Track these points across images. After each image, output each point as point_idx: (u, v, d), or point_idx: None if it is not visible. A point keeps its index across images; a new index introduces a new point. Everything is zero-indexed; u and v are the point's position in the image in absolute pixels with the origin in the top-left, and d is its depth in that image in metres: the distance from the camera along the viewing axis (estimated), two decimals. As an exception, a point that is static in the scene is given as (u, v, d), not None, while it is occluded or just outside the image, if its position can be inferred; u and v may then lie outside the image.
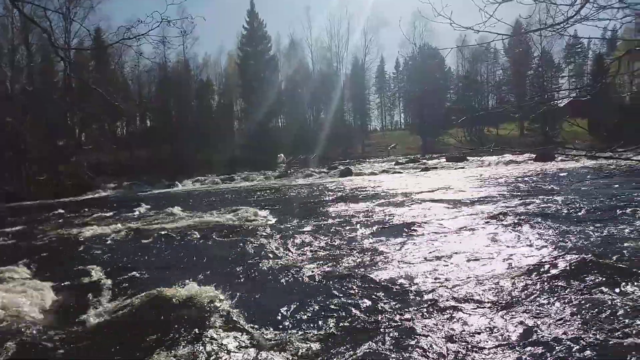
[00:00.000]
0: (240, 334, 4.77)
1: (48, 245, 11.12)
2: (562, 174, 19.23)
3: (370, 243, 8.58)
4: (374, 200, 14.87)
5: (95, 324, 5.45)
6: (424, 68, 59.37)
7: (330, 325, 4.85)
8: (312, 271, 6.92)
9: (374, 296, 5.62)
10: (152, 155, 51.52)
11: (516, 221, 9.36)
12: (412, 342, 4.31)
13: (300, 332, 4.74)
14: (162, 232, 11.36)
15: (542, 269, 6.01)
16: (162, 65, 51.02)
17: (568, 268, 5.89)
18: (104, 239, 11.10)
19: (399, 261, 7.15)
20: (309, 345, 4.42)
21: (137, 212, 16.16)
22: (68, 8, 35.62)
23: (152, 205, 18.27)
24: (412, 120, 73.02)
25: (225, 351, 4.41)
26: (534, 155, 28.05)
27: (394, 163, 36.38)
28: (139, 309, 5.74)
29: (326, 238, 9.32)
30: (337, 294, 5.82)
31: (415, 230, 9.37)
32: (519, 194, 13.78)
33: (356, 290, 5.89)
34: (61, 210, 18.45)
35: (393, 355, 4.10)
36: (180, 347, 4.53)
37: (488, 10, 3.76)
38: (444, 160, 35.34)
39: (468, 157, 33.45)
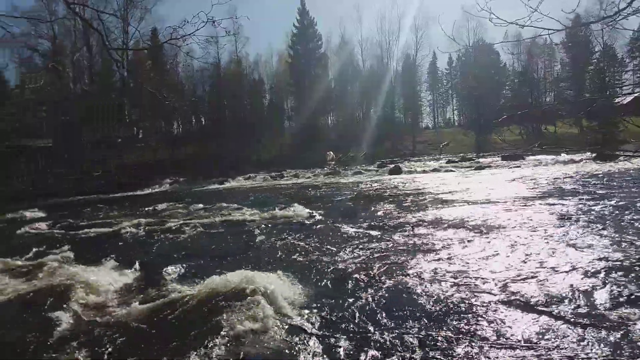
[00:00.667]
0: (289, 323, 4.67)
1: (108, 237, 11.62)
2: (624, 175, 18.01)
3: (418, 241, 8.24)
4: (423, 199, 14.42)
5: (155, 306, 5.58)
6: (477, 64, 57.65)
7: (378, 321, 4.62)
8: (359, 265, 6.71)
9: (420, 293, 5.34)
10: (206, 153, 52.97)
11: (573, 224, 8.75)
12: (466, 342, 4.02)
13: (347, 325, 4.55)
14: (215, 226, 11.74)
15: (606, 275, 5.54)
16: (215, 65, 52.17)
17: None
18: (161, 232, 11.44)
19: (448, 260, 6.80)
20: (354, 338, 4.22)
21: (191, 207, 16.57)
22: (126, 10, 37.12)
23: (205, 201, 18.77)
24: (466, 117, 71.23)
25: (275, 339, 4.32)
26: (594, 155, 26.45)
27: (445, 161, 35.37)
28: (195, 296, 5.77)
29: (374, 235, 9.05)
30: (389, 290, 5.58)
31: (467, 230, 8.92)
32: (577, 195, 12.94)
33: (404, 287, 5.62)
34: (118, 205, 19.25)
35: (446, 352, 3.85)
36: (233, 331, 4.51)
37: (531, 4, 3.49)
38: (499, 158, 34.08)
39: (524, 156, 32.11)
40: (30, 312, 5.76)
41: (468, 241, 7.92)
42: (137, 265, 7.80)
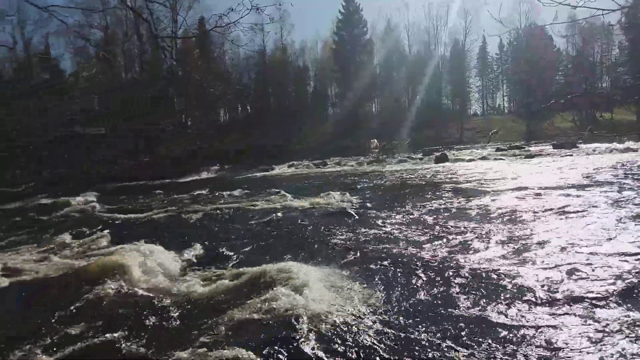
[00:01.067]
0: (328, 313, 4.57)
1: (155, 222, 11.97)
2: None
3: (465, 231, 7.96)
4: (470, 188, 14.00)
5: (200, 293, 5.65)
6: (529, 48, 55.38)
7: (420, 318, 4.47)
8: (403, 256, 6.55)
9: (469, 288, 5.13)
10: (250, 141, 53.70)
11: (631, 216, 8.24)
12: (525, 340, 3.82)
13: (387, 321, 4.41)
14: (258, 213, 11.84)
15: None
16: (260, 53, 52.52)
17: None
18: (205, 217, 11.67)
19: (497, 251, 6.53)
20: (394, 335, 4.09)
21: (236, 193, 16.88)
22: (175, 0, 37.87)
23: (249, 188, 19.07)
24: (516, 104, 68.87)
25: (314, 330, 4.23)
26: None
27: (494, 149, 34.31)
28: (237, 283, 5.83)
29: (419, 224, 8.82)
30: (431, 282, 5.40)
31: (515, 221, 8.56)
32: (635, 186, 12.23)
33: (449, 280, 5.42)
34: (164, 191, 19.77)
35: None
36: (271, 318, 4.45)
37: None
38: (550, 147, 32.76)
39: (577, 144, 30.72)
40: (85, 289, 5.93)
41: (518, 232, 7.59)
42: (180, 250, 7.94)
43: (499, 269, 5.78)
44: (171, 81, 37.82)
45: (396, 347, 4.03)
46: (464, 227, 8.28)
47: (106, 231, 10.38)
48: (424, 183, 16.57)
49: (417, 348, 3.99)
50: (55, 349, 4.35)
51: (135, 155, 34.49)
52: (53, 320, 5.00)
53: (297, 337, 4.28)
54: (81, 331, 4.71)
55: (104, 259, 7.14)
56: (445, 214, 9.78)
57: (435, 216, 9.62)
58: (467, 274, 5.69)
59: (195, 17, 45.30)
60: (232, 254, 7.52)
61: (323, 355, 3.97)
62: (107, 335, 4.58)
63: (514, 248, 6.71)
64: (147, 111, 38.53)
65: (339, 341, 4.18)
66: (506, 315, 4.48)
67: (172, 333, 4.64)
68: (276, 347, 4.12)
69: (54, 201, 15.63)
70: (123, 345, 4.40)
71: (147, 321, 4.91)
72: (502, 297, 4.92)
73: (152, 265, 6.77)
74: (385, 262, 6.48)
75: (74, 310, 5.27)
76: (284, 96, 55.58)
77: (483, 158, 27.95)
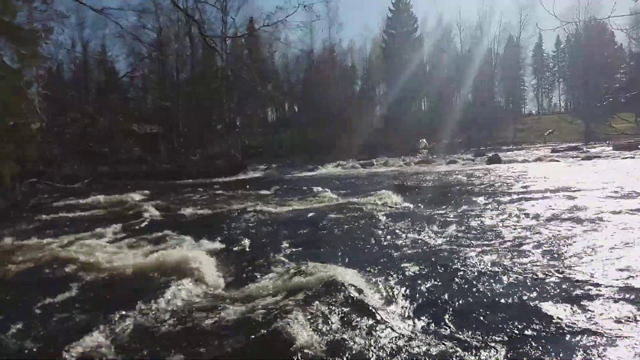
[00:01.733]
0: (372, 318, 4.49)
1: (203, 219, 12.22)
2: None
3: (517, 237, 7.67)
4: (524, 190, 13.51)
5: (241, 292, 5.70)
6: (589, 45, 52.96)
7: (471, 324, 4.33)
8: (454, 261, 6.38)
9: (518, 293, 4.93)
10: (297, 140, 54.18)
11: None
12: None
13: (436, 327, 4.30)
14: (304, 212, 11.83)
15: None
16: (308, 52, 52.81)
17: None
18: (253, 216, 11.79)
19: (554, 257, 6.24)
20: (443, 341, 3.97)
21: (283, 193, 17.14)
22: (225, 1, 38.59)
23: (296, 187, 19.33)
24: (574, 103, 66.12)
25: (359, 335, 4.17)
26: None
27: (550, 150, 33.05)
28: (281, 282, 5.85)
29: (470, 229, 8.57)
30: (479, 287, 5.23)
31: (575, 225, 8.20)
32: None
33: (499, 289, 5.23)
34: (214, 189, 20.18)
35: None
36: (313, 321, 4.40)
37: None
38: (610, 148, 31.26)
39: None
40: (149, 284, 6.12)
41: (577, 238, 7.24)
42: (229, 247, 8.09)
43: (552, 277, 5.53)
44: (221, 81, 38.56)
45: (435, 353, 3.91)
46: (515, 232, 7.98)
47: (158, 228, 10.69)
48: (474, 185, 16.14)
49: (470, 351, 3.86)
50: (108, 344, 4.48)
51: (186, 154, 35.45)
52: (114, 316, 5.16)
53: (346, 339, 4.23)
54: (138, 328, 4.84)
55: (161, 256, 7.36)
56: (496, 219, 9.45)
57: (485, 220, 9.32)
58: (516, 279, 5.47)
59: (244, 17, 46.21)
60: (279, 254, 7.53)
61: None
62: (164, 332, 4.69)
63: (572, 256, 6.40)
64: (198, 110, 39.54)
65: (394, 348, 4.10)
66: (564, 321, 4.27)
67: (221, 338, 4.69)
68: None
69: (110, 197, 16.22)
70: (174, 343, 4.49)
71: (200, 322, 4.99)
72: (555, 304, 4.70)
73: (205, 265, 6.94)
74: (435, 265, 6.33)
75: (134, 305, 5.43)
76: (331, 95, 55.66)
77: (538, 159, 26.99)
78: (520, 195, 12.30)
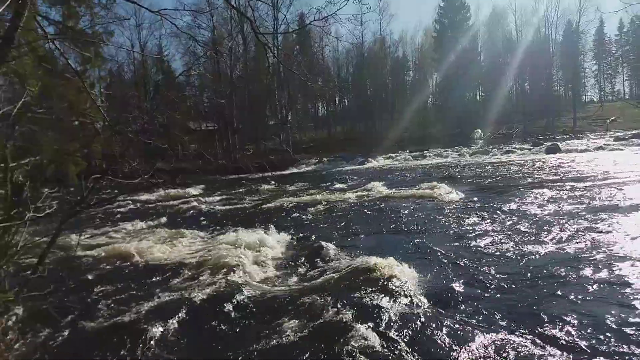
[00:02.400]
0: (420, 312, 4.51)
1: (259, 212, 12.58)
2: None
3: (577, 232, 7.38)
4: (584, 181, 12.94)
5: (297, 279, 5.96)
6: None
7: (522, 320, 4.25)
8: (508, 256, 6.26)
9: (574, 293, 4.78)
10: (348, 133, 54.21)
11: None
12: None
13: (487, 323, 4.26)
14: (356, 205, 11.98)
15: None
16: (359, 45, 52.54)
17: None
18: (305, 208, 12.02)
19: (609, 256, 5.99)
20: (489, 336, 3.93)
21: (335, 186, 17.34)
22: (276, -4, 39.11)
23: (347, 180, 19.48)
24: (639, 89, 62.39)
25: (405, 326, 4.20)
26: None
27: (612, 139, 31.33)
28: (333, 273, 6.03)
29: (527, 221, 8.34)
30: (529, 284, 5.11)
31: (630, 220, 7.81)
32: None
33: (553, 284, 5.09)
34: (267, 183, 20.62)
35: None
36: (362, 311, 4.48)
37: None
38: (681, 135, 29.33)
39: None
40: (209, 273, 6.43)
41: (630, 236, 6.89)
42: (284, 237, 8.39)
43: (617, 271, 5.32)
44: (273, 77, 39.12)
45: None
46: (577, 225, 7.69)
47: (216, 220, 11.12)
48: (532, 176, 15.62)
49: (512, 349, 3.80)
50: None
51: (240, 149, 36.29)
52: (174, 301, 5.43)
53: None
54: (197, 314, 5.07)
55: (220, 247, 7.70)
56: (555, 211, 9.13)
57: (541, 213, 9.02)
58: (574, 273, 5.29)
59: (295, 13, 46.54)
60: (332, 245, 7.62)
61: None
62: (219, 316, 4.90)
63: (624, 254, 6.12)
64: (251, 107, 40.34)
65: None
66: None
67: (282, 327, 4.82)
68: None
69: (169, 192, 16.87)
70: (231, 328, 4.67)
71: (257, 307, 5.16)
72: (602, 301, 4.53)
73: (263, 254, 7.21)
74: (482, 263, 6.23)
75: (195, 291, 5.70)
76: (382, 87, 55.15)
77: (599, 148, 25.69)
78: (580, 186, 11.82)
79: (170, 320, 4.82)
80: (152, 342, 4.42)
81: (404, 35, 63.35)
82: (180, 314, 4.99)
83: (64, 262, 7.22)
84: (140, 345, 4.38)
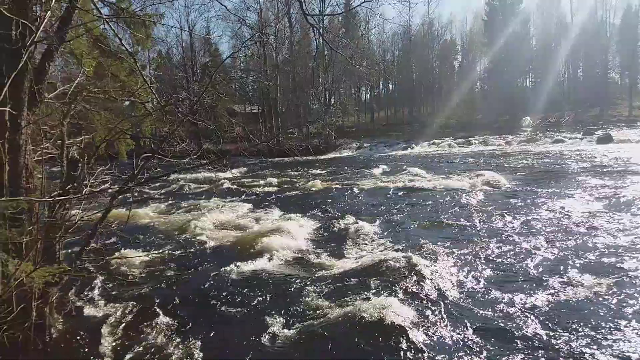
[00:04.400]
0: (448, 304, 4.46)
1: (295, 194, 12.73)
2: None
3: (628, 227, 7.07)
4: (637, 175, 12.37)
5: (331, 263, 5.99)
6: None
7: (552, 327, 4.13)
8: (555, 255, 6.09)
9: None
10: (392, 118, 53.60)
11: None
12: None
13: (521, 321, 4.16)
14: (396, 191, 11.91)
15: None
16: (406, 29, 51.52)
17: None
18: (345, 193, 12.08)
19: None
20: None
21: (376, 171, 17.29)
22: (324, -22, 38.83)
23: (389, 165, 19.35)
24: None
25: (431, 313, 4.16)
26: None
27: (673, 128, 29.65)
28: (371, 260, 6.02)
29: (578, 215, 8.04)
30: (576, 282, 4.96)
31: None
32: None
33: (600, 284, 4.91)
34: (310, 166, 20.73)
35: None
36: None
37: None
38: None
39: None
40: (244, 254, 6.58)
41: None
42: (321, 222, 8.40)
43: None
44: (317, 61, 39.01)
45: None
46: (630, 223, 7.34)
47: (259, 201, 11.30)
48: (580, 167, 15.03)
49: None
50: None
51: (284, 132, 36.49)
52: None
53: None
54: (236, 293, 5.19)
55: (263, 226, 7.89)
56: (607, 206, 8.75)
57: (593, 207, 8.66)
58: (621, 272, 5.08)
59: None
60: (369, 231, 7.62)
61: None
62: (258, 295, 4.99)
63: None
64: (295, 90, 40.44)
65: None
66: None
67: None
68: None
69: (214, 173, 17.23)
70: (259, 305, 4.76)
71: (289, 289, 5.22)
72: None
73: (300, 235, 7.32)
74: (521, 260, 6.07)
75: (240, 271, 5.84)
76: (428, 72, 54.04)
77: (657, 138, 24.42)
78: (633, 180, 11.27)
79: (206, 296, 4.98)
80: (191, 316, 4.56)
81: (452, 18, 61.76)
82: (212, 289, 5.16)
83: (116, 236, 7.52)
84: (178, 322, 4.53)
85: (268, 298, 4.98)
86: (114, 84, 5.84)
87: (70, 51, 5.32)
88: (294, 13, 39.78)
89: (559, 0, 54.91)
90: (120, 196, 4.24)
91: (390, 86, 59.79)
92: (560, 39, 52.13)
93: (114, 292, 5.19)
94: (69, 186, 4.02)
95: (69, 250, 4.73)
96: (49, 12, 3.44)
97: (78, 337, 4.27)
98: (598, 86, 47.82)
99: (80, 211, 4.06)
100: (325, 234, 7.69)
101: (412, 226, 8.08)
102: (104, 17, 4.58)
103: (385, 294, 4.75)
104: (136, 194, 11.87)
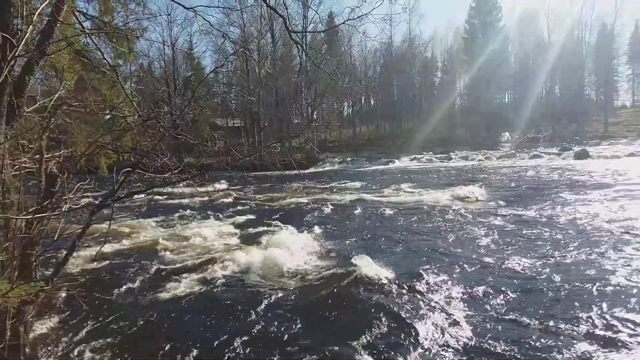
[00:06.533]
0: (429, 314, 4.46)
1: (278, 208, 12.69)
2: None
3: (599, 242, 7.20)
4: (614, 189, 12.64)
5: (305, 274, 5.89)
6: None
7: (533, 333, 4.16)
8: (529, 265, 6.15)
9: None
10: (373, 133, 54.02)
11: None
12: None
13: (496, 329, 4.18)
14: (377, 206, 11.91)
15: None
16: (387, 45, 52.19)
17: None
18: (325, 208, 12.03)
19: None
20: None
21: (357, 186, 17.33)
22: (306, -5, 39.13)
23: (370, 181, 19.42)
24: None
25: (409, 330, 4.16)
26: None
27: (646, 145, 30.45)
28: (333, 272, 5.96)
29: (555, 230, 8.16)
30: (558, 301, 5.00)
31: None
32: None
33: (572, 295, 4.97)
34: (292, 180, 20.69)
35: None
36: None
37: None
38: None
39: None
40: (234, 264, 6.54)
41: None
42: (302, 235, 8.36)
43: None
44: (300, 76, 39.26)
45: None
46: (608, 238, 7.48)
47: (242, 215, 11.23)
48: (556, 182, 15.32)
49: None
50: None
51: (267, 147, 36.44)
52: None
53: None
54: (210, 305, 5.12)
55: (243, 239, 7.79)
56: (573, 220, 8.91)
57: (570, 222, 8.80)
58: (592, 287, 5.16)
59: (325, 12, 46.45)
60: (345, 245, 7.63)
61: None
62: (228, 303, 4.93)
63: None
64: (277, 105, 40.57)
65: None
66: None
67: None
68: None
69: (197, 187, 17.09)
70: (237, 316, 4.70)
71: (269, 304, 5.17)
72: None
73: (279, 249, 7.26)
74: (500, 270, 6.13)
75: (219, 284, 5.76)
76: (409, 88, 54.71)
77: (631, 155, 25.04)
78: (610, 195, 11.53)
79: (181, 311, 4.89)
80: (169, 330, 4.48)
81: (433, 36, 62.75)
82: (187, 304, 5.08)
83: (95, 252, 7.38)
84: (158, 335, 4.45)
85: (241, 315, 4.93)
86: (95, 98, 5.78)
87: (51, 64, 5.25)
88: (277, 29, 40.10)
89: (537, 19, 56.25)
90: (99, 212, 4.17)
91: (372, 101, 60.35)
92: (538, 56, 53.30)
93: (91, 311, 5.07)
94: (47, 202, 3.95)
95: (47, 268, 4.62)
96: (31, 25, 3.40)
97: (53, 357, 4.16)
98: (575, 103, 48.96)
99: (59, 226, 3.98)
100: (303, 248, 7.65)
101: (395, 241, 8.09)
102: (86, 30, 4.55)
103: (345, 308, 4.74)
104: (119, 210, 11.74)
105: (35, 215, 3.61)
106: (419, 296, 5.04)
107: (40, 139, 4.40)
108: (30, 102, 4.64)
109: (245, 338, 4.38)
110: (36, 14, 3.41)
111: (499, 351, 3.85)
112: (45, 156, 4.38)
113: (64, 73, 5.21)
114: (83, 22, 4.62)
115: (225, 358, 4.04)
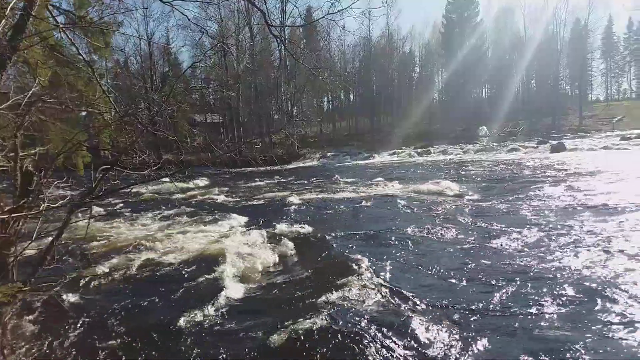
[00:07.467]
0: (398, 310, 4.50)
1: (260, 205, 12.66)
2: None
3: (583, 230, 7.35)
4: (590, 180, 12.90)
5: (287, 272, 5.89)
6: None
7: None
8: (509, 259, 6.24)
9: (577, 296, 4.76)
10: (353, 128, 54.19)
11: None
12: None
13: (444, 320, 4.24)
14: (357, 200, 11.93)
15: None
16: (366, 40, 52.28)
17: None
18: (306, 204, 12.01)
19: (606, 259, 5.96)
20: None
21: (338, 180, 17.41)
22: (285, -11, 38.87)
23: (351, 175, 19.51)
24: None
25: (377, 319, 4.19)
26: None
27: (619, 138, 31.05)
28: (315, 264, 5.97)
29: (531, 222, 8.28)
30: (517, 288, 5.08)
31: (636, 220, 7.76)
32: None
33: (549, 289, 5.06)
34: (272, 177, 20.63)
35: None
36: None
37: None
38: (689, 135, 29.08)
39: None
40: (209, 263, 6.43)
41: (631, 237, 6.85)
42: (284, 231, 8.33)
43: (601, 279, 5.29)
44: (279, 71, 39.14)
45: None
46: (581, 228, 7.63)
47: (221, 211, 11.13)
48: (534, 175, 15.57)
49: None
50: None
51: (247, 142, 36.26)
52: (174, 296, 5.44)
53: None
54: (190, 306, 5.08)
55: (221, 237, 7.76)
56: (560, 212, 9.07)
57: (546, 214, 8.95)
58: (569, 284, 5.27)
59: (303, 6, 46.31)
60: (328, 241, 7.64)
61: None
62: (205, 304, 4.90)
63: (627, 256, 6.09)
64: (257, 100, 40.38)
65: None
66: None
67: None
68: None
69: (175, 184, 16.92)
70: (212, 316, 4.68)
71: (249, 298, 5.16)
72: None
73: (260, 247, 7.24)
74: (468, 260, 6.22)
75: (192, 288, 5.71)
76: (387, 83, 54.95)
77: (605, 148, 25.55)
78: (584, 187, 11.74)
79: (168, 311, 4.85)
80: (153, 332, 4.44)
81: (412, 31, 63.11)
82: (172, 304, 5.03)
83: (72, 252, 7.24)
84: (141, 337, 4.40)
85: (225, 314, 4.90)
86: (71, 94, 5.66)
87: (24, 60, 5.14)
88: (255, 24, 39.83)
89: (513, 14, 56.93)
90: (78, 210, 4.10)
91: (352, 97, 60.47)
92: (515, 51, 54.03)
93: (71, 311, 4.98)
94: (24, 200, 3.87)
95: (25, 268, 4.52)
96: (3, 20, 3.31)
97: (32, 359, 4.09)
98: (550, 97, 49.82)
99: (37, 226, 3.90)
100: (278, 246, 7.60)
101: (366, 235, 8.07)
102: (60, 25, 4.46)
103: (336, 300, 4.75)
104: (100, 208, 11.56)
105: (12, 215, 3.53)
106: (392, 288, 5.07)
107: (14, 137, 4.30)
108: (3, 99, 4.53)
109: (204, 334, 4.36)
110: (8, 8, 3.33)
111: (480, 346, 3.90)
112: (20, 154, 4.28)
113: (38, 69, 5.10)
114: (57, 16, 4.52)
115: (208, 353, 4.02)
